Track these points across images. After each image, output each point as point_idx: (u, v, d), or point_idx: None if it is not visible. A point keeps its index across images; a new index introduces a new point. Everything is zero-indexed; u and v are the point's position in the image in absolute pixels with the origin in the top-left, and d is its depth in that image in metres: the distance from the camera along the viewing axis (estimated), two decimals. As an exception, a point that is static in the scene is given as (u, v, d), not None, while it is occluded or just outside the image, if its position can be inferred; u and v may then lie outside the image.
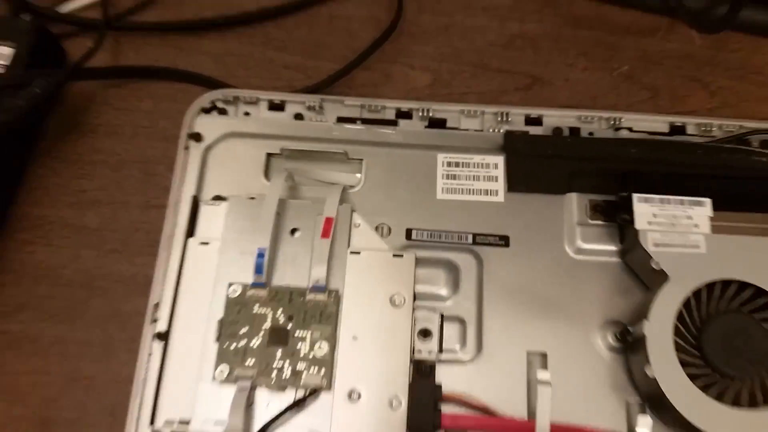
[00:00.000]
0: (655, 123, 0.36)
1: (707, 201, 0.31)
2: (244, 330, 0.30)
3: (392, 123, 0.36)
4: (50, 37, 0.38)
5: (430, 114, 0.36)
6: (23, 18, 0.38)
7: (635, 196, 0.31)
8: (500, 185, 0.34)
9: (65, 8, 0.41)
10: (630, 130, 0.35)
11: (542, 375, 0.29)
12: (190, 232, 0.32)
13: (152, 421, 0.29)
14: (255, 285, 0.30)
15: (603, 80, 0.40)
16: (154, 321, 0.30)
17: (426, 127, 0.36)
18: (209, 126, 0.35)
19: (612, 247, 0.32)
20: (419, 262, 0.31)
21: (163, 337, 0.30)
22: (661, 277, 0.30)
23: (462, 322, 0.31)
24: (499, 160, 0.34)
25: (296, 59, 0.40)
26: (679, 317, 0.29)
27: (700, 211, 0.31)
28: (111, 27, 0.40)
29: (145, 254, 0.34)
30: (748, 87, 0.39)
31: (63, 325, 0.33)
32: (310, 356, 0.29)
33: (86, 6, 0.41)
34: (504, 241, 0.32)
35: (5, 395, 0.32)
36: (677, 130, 0.36)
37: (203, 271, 0.31)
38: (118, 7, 0.41)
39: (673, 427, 0.29)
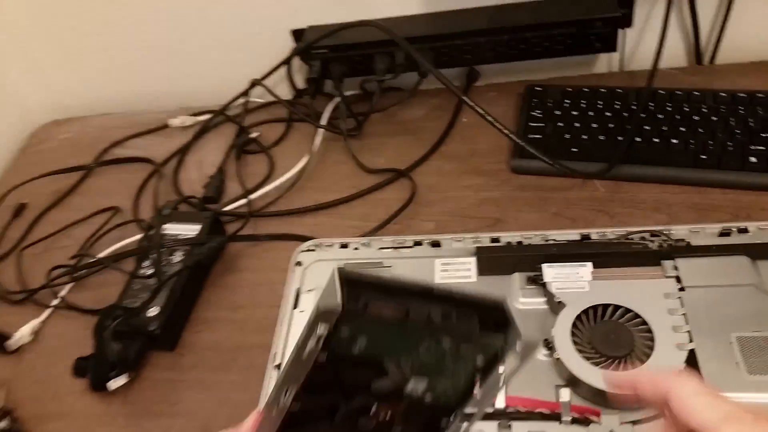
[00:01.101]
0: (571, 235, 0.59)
1: (589, 264, 0.53)
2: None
3: (410, 247, 0.61)
4: (219, 221, 0.68)
5: (432, 240, 0.61)
6: (205, 212, 0.68)
7: (544, 267, 0.54)
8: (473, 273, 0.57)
9: (228, 207, 0.72)
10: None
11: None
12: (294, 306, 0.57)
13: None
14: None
15: (540, 218, 0.64)
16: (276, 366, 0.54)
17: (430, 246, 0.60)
18: (305, 256, 0.61)
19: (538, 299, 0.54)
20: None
21: (279, 366, 0.53)
22: (562, 306, 0.51)
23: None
24: (472, 260, 0.58)
25: (356, 222, 0.68)
26: (574, 327, 0.49)
27: (584, 270, 0.53)
28: (252, 215, 0.70)
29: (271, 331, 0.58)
30: (633, 211, 0.63)
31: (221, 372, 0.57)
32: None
33: (240, 205, 0.72)
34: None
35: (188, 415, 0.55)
36: (585, 237, 0.58)
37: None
38: (257, 205, 0.72)
39: (581, 393, 0.47)
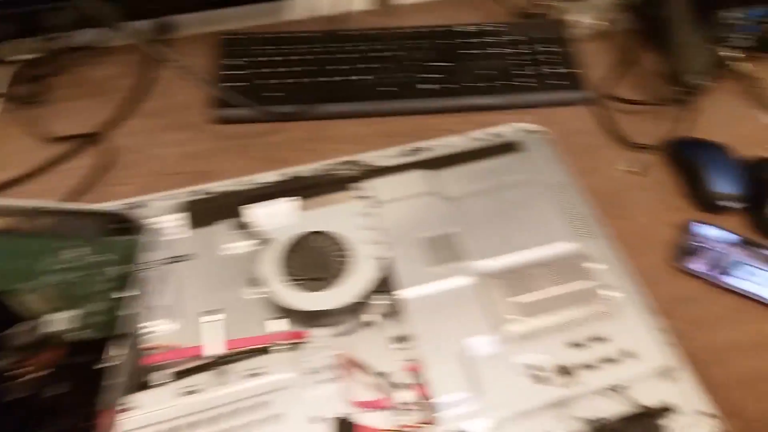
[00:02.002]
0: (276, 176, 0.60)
1: (289, 198, 0.55)
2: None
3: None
4: None
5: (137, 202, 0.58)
6: None
7: (248, 208, 0.54)
8: (187, 228, 0.55)
9: None
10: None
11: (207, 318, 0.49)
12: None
13: None
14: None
15: (247, 165, 0.64)
16: None
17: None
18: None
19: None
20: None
21: None
22: (269, 242, 0.52)
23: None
24: (183, 216, 0.56)
25: (45, 198, 0.61)
26: (279, 258, 0.51)
27: (286, 205, 0.55)
28: None
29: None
30: (332, 146, 0.66)
31: None
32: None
33: None
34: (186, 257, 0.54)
35: None
36: (289, 175, 0.60)
37: None
38: None
39: (295, 320, 0.50)
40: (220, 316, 0.49)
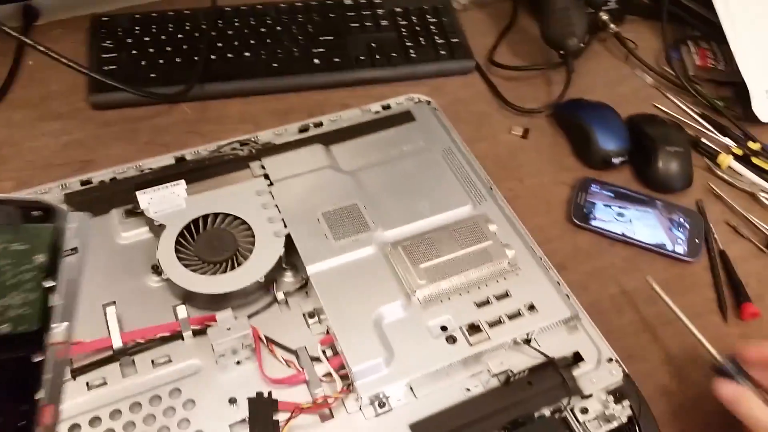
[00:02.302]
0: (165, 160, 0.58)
1: (181, 182, 0.53)
2: None
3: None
4: None
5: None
6: None
7: (138, 194, 0.52)
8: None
9: None
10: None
11: (108, 309, 0.46)
12: None
13: None
14: None
15: (132, 150, 0.61)
16: None
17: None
18: None
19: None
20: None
21: None
22: (163, 228, 0.50)
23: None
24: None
25: None
26: (179, 244, 0.49)
27: (179, 188, 0.52)
28: None
29: None
30: (222, 127, 0.64)
31: None
32: None
33: None
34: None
35: None
36: (180, 159, 0.58)
37: None
38: None
39: (198, 305, 0.48)
40: (123, 306, 0.47)
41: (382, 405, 0.45)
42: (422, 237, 0.52)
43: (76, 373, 0.44)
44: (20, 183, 0.58)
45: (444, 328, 0.48)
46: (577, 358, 0.49)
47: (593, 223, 0.61)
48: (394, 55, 0.72)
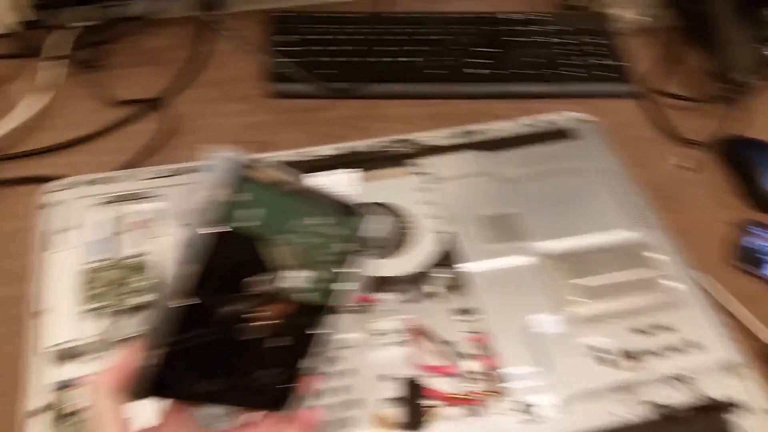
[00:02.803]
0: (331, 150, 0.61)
1: (354, 170, 0.56)
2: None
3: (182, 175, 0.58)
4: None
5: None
6: None
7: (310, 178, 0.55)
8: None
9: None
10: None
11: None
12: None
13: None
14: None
15: (302, 138, 0.65)
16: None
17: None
18: (53, 197, 0.55)
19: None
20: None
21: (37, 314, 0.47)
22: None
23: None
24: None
25: (109, 157, 0.62)
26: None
27: (350, 175, 0.56)
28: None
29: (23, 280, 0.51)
30: (383, 125, 0.67)
31: None
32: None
33: None
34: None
35: None
36: (344, 150, 0.61)
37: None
38: None
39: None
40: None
41: (527, 412, 0.46)
42: (581, 254, 0.53)
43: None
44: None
45: (599, 349, 0.48)
46: (735, 405, 0.47)
47: (757, 268, 0.59)
48: (550, 71, 0.73)
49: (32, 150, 0.62)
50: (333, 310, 0.34)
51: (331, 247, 0.33)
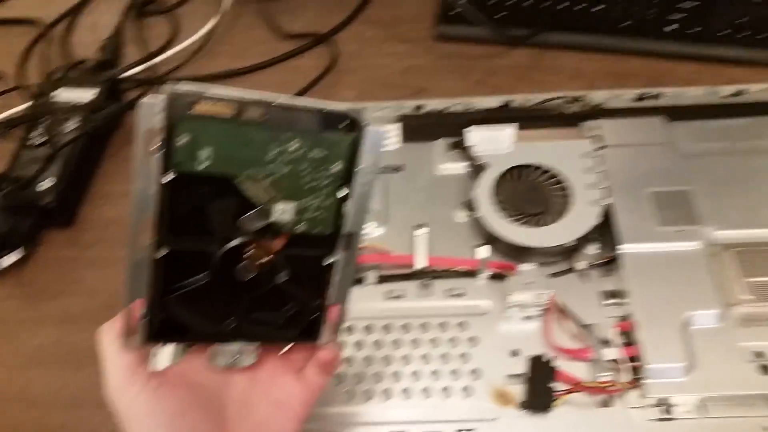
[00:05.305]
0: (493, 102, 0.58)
1: (513, 125, 0.52)
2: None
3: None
4: (117, 87, 0.63)
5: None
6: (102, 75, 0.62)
7: (467, 131, 0.53)
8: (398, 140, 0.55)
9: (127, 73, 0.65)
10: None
11: (419, 231, 0.49)
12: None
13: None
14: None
15: (463, 86, 0.62)
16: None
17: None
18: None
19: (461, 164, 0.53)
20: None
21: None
22: (484, 167, 0.50)
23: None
24: (395, 127, 0.56)
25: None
26: (495, 187, 0.49)
27: (508, 132, 0.52)
28: (154, 82, 0.64)
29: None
30: (554, 78, 0.62)
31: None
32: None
33: (140, 70, 0.66)
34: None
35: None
36: (507, 103, 0.58)
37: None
38: (159, 70, 0.66)
39: (499, 250, 0.48)
40: (429, 231, 0.49)
41: (667, 411, 0.41)
42: (761, 247, 0.45)
43: (382, 280, 0.48)
44: (361, 94, 0.63)
45: (760, 355, 0.42)
46: None
47: None
48: (761, 36, 0.62)
49: (200, 75, 0.65)
50: (349, 236, 0.31)
51: (322, 172, 0.29)
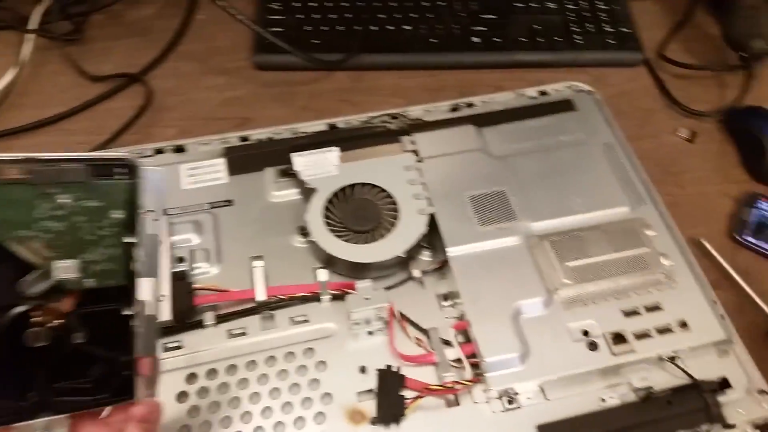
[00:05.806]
0: (318, 126, 0.59)
1: (335, 148, 0.53)
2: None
3: (151, 156, 0.56)
4: None
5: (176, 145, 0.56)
6: None
7: (293, 156, 0.53)
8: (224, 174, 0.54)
9: None
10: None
11: (256, 263, 0.48)
12: None
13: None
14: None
15: (288, 113, 0.63)
16: None
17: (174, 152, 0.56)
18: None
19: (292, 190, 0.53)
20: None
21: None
22: (314, 191, 0.51)
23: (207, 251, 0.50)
24: (221, 161, 0.55)
25: (84, 137, 0.60)
26: (327, 210, 0.50)
27: (332, 155, 0.53)
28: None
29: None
30: (374, 98, 0.64)
31: None
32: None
33: None
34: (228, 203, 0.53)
35: None
36: (332, 126, 0.59)
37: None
38: None
39: (338, 270, 0.49)
40: (266, 262, 0.48)
41: (511, 401, 0.44)
42: (572, 234, 0.50)
43: (221, 320, 0.46)
44: (182, 131, 0.61)
45: (586, 333, 0.46)
46: (724, 384, 0.45)
47: (757, 241, 0.56)
48: (557, 39, 0.68)
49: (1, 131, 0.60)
50: (136, 284, 0.30)
51: (103, 221, 0.29)
